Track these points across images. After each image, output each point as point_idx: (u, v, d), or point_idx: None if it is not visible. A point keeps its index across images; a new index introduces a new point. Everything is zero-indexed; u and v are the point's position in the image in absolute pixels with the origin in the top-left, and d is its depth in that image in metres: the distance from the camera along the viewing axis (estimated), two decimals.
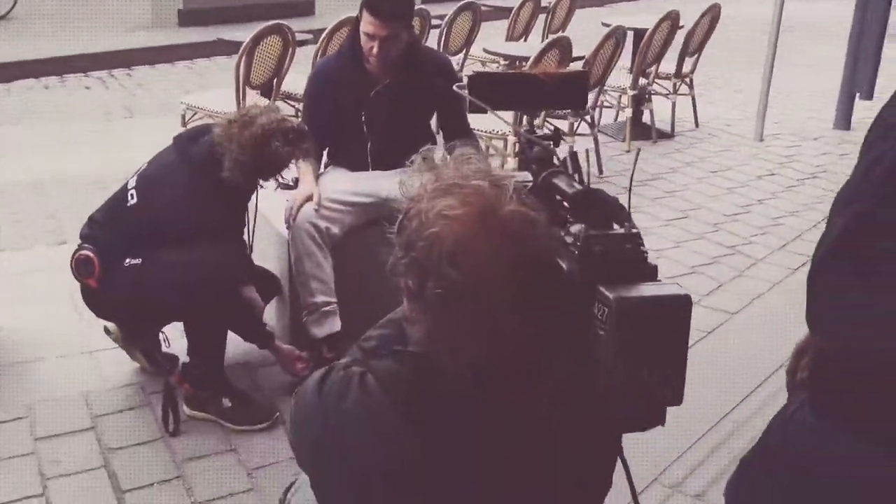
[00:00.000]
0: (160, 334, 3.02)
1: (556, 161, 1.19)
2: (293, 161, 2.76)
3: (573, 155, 1.22)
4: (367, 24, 2.99)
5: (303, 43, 5.19)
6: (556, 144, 1.29)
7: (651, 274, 1.01)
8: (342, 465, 1.13)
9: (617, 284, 0.97)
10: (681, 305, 0.97)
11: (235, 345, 3.07)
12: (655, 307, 0.96)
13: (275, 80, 4.97)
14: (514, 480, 1.10)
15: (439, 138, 3.48)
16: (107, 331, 3.09)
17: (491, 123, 4.79)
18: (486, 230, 1.01)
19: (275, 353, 3.02)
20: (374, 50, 2.99)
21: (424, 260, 1.02)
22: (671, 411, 1.07)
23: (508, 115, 4.58)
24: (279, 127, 2.70)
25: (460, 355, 1.04)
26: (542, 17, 7.19)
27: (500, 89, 1.31)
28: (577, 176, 1.17)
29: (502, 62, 6.07)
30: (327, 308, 3.05)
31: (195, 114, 4.93)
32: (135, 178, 2.83)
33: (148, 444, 2.75)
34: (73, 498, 2.50)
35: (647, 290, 0.97)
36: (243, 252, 2.73)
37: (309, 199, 3.00)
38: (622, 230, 1.03)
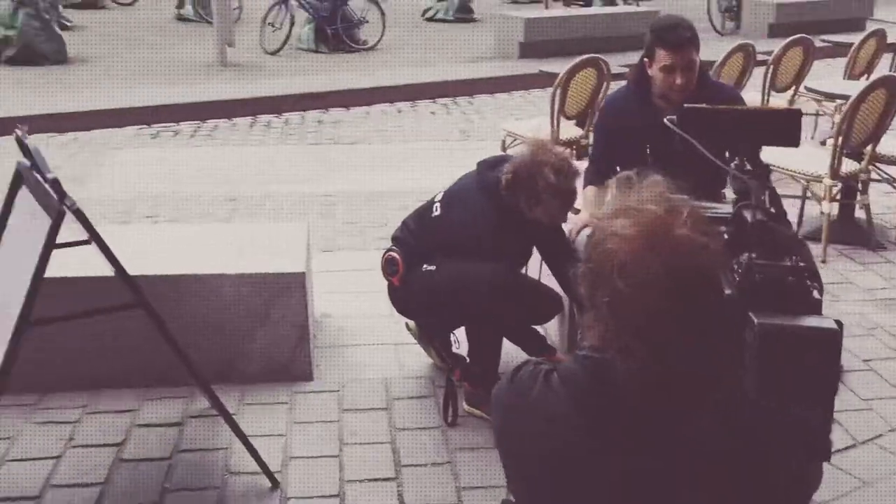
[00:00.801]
0: (451, 335, 3.37)
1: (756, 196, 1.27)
2: (553, 195, 2.93)
3: (772, 190, 1.27)
4: (664, 60, 3.12)
5: (619, 76, 5.36)
6: (766, 180, 1.36)
7: (813, 308, 1.06)
8: (520, 449, 1.31)
9: (768, 312, 1.04)
10: (827, 339, 1.01)
11: (514, 356, 3.33)
12: (799, 336, 1.01)
13: (589, 111, 5.21)
14: (666, 491, 1.19)
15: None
16: (407, 327, 3.52)
17: (807, 165, 4.60)
18: (655, 250, 1.13)
19: None
20: (678, 80, 3.10)
21: (598, 271, 1.17)
22: None
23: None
24: (556, 161, 2.91)
25: (626, 362, 1.17)
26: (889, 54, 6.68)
27: (710, 124, 1.40)
28: (772, 210, 1.24)
29: (837, 101, 5.75)
30: None
31: (514, 140, 5.33)
32: (442, 192, 3.21)
33: (429, 429, 3.11)
34: (362, 464, 2.91)
35: (796, 320, 1.03)
36: (515, 273, 2.98)
37: (588, 225, 3.18)
38: (789, 263, 1.09)
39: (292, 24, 11.00)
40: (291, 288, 3.27)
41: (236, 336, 3.28)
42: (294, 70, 9.88)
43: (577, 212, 3.33)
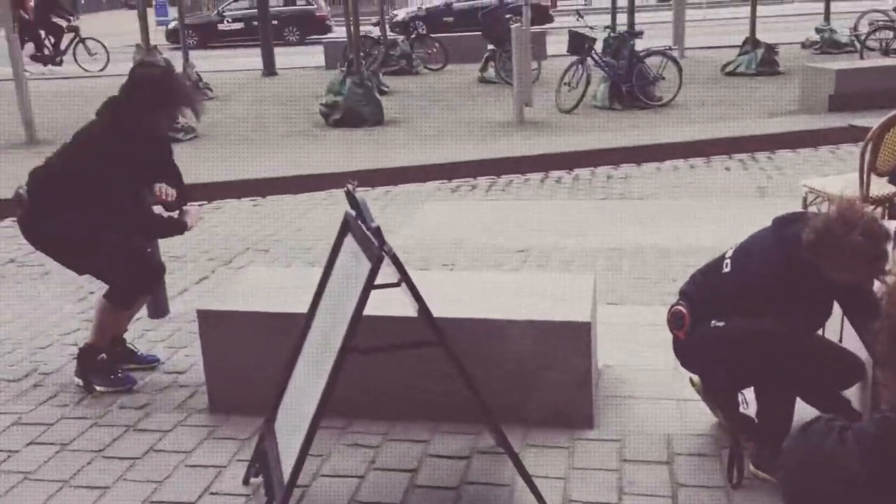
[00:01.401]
0: (739, 395, 3.27)
1: None
2: (860, 258, 2.77)
3: None
4: None
5: None
6: None
7: None
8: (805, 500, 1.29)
9: None
10: None
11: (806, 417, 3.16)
12: None
13: None
14: None
15: None
16: (692, 382, 3.47)
17: None
18: None
19: None
20: None
21: (894, 328, 1.15)
22: None
23: None
24: (865, 221, 2.76)
25: None
26: None
27: None
28: None
29: None
30: None
31: (816, 197, 5.06)
32: (733, 249, 3.16)
33: (711, 489, 3.04)
34: None
35: None
36: (810, 333, 2.85)
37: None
38: None
39: (588, 83, 11.29)
40: (576, 337, 3.37)
41: (521, 379, 3.44)
42: (587, 127, 10.11)
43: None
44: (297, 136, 10.47)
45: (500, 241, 6.16)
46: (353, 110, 10.77)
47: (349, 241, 2.77)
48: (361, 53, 11.89)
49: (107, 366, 4.09)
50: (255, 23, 19.48)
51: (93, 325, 4.12)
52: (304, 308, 3.05)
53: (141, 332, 4.67)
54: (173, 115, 4.00)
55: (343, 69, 11.20)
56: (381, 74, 14.04)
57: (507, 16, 13.88)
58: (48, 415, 3.83)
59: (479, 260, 5.77)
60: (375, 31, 17.13)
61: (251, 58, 18.82)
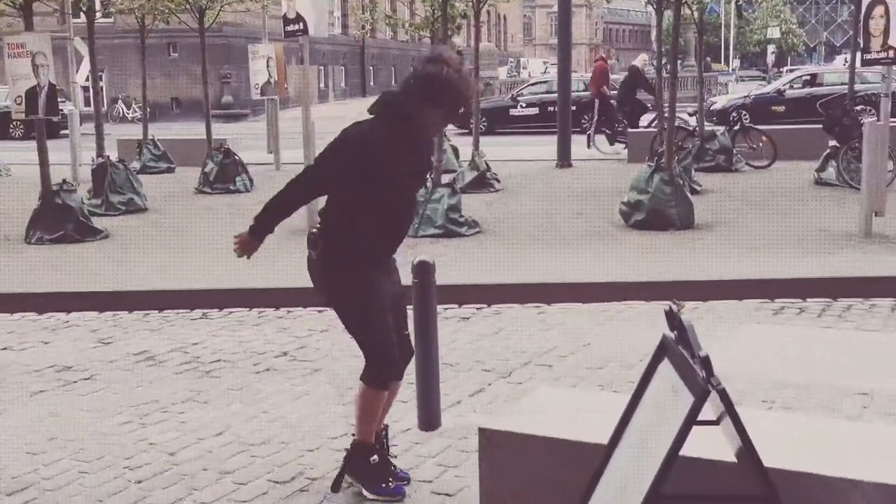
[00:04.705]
0: None
1: None
2: None
3: None
4: None
5: None
6: None
7: None
8: None
9: None
10: None
11: None
12: None
13: None
14: None
15: None
16: None
17: None
18: None
19: None
20: None
21: None
22: None
23: None
24: None
25: None
26: None
27: None
28: None
29: None
30: None
31: None
32: None
33: None
34: None
35: None
36: None
37: None
38: None
39: None
40: None
41: None
42: None
43: None
44: (592, 237, 10.69)
45: (832, 379, 5.84)
46: (659, 211, 10.82)
47: (665, 369, 2.82)
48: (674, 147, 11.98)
49: (381, 472, 4.34)
50: (551, 108, 20.29)
51: (356, 416, 4.35)
52: (603, 438, 3.10)
53: (409, 445, 4.93)
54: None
55: (650, 164, 11.35)
56: (693, 171, 14.03)
57: (857, 107, 13.39)
58: None
59: (804, 400, 5.51)
60: (691, 122, 17.20)
61: (544, 147, 19.62)
